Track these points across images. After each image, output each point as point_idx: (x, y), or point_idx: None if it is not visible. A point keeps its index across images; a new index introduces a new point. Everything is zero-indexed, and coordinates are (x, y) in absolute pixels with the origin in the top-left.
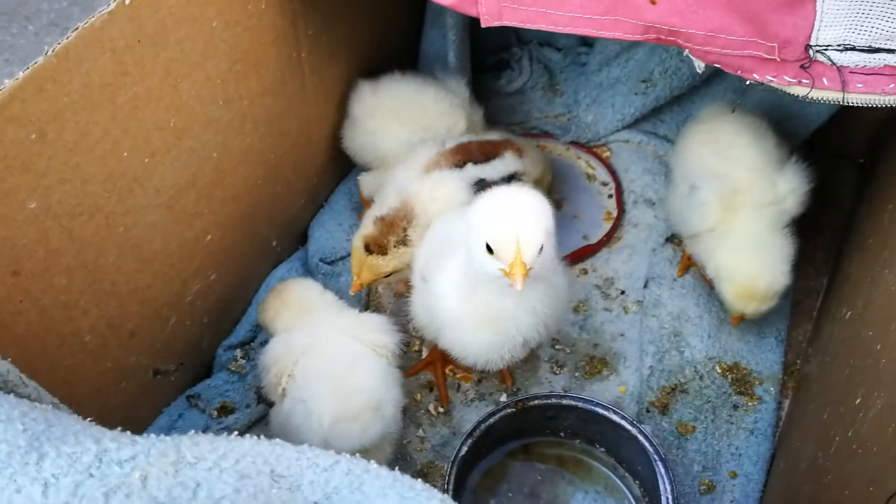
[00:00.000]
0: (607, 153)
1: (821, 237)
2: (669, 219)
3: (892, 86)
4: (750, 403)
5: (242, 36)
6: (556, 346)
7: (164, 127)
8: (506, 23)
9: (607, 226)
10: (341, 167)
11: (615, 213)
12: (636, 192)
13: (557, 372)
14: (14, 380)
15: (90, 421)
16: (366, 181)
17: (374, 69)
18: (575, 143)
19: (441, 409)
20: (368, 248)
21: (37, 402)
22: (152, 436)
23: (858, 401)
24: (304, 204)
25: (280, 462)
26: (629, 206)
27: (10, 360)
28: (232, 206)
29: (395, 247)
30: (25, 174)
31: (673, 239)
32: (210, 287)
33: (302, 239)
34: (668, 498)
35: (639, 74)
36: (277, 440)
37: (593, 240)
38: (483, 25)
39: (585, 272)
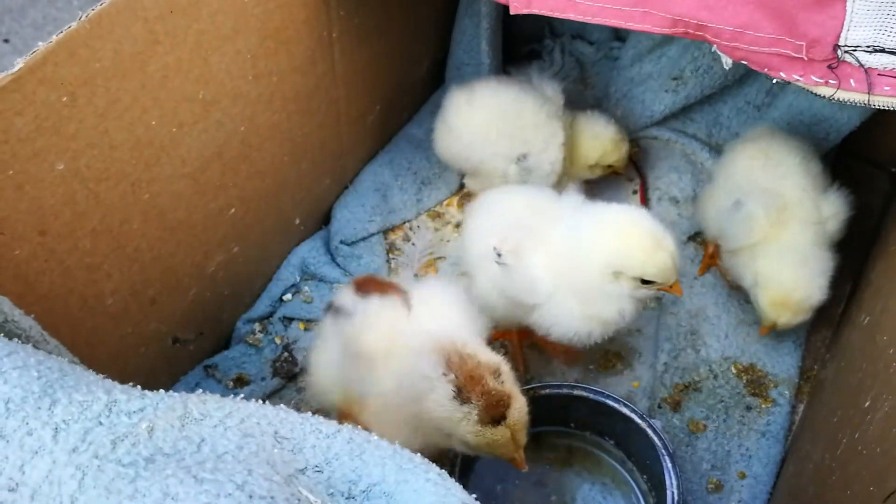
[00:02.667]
0: (635, 149)
1: (849, 245)
2: (705, 230)
3: None
4: (763, 405)
5: (274, 12)
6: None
7: (192, 98)
8: (535, 11)
9: None
10: (368, 149)
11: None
12: (661, 189)
13: (571, 364)
14: (36, 336)
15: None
16: (472, 184)
17: (406, 55)
18: None
19: None
20: (493, 418)
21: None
22: (161, 391)
23: (868, 404)
24: (329, 184)
25: (284, 426)
26: (653, 203)
27: (32, 316)
28: (257, 181)
29: (499, 385)
30: (55, 136)
31: (695, 237)
32: (232, 260)
33: (325, 218)
34: (673, 493)
35: (670, 72)
36: (282, 406)
37: None
38: (512, 13)
39: None
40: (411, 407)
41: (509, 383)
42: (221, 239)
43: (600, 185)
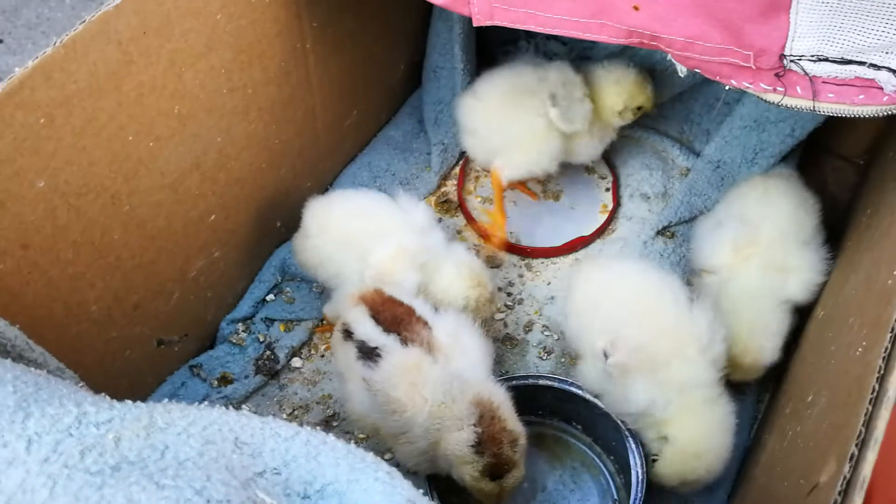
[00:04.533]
0: (607, 147)
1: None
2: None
3: (861, 97)
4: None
5: (246, 28)
6: (545, 333)
7: (168, 113)
8: (497, 22)
9: (602, 218)
10: (347, 152)
11: (611, 206)
12: (633, 185)
13: (545, 357)
14: (21, 345)
15: (82, 386)
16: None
17: (381, 60)
18: None
19: None
20: (495, 474)
21: (41, 367)
22: (129, 402)
23: (810, 398)
24: (309, 187)
25: (244, 431)
26: (625, 200)
27: (17, 326)
28: (236, 188)
29: (512, 451)
30: (35, 156)
31: (664, 232)
32: (214, 264)
33: None
34: (637, 472)
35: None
36: (245, 412)
37: (587, 231)
38: (475, 24)
39: (578, 261)
40: (434, 437)
41: (520, 454)
42: (202, 244)
43: (574, 183)
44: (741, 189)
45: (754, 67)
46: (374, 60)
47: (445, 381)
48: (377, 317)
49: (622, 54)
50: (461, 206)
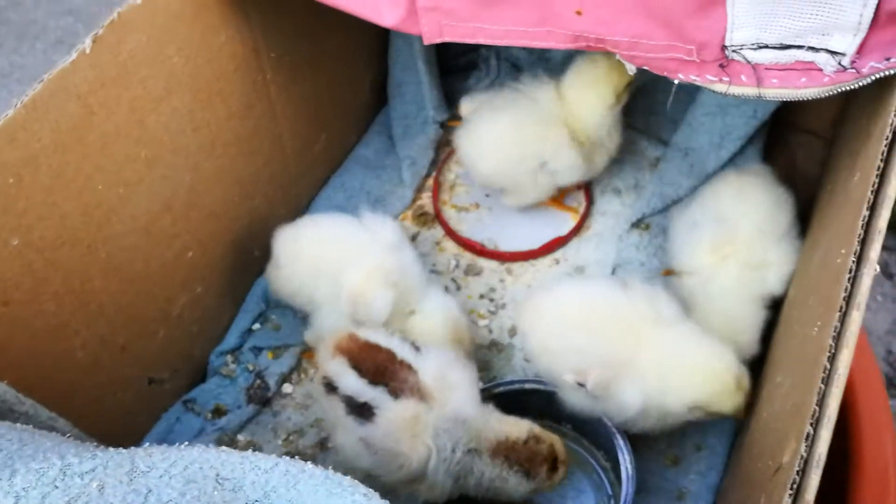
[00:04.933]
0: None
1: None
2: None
3: (803, 80)
4: None
5: (204, 68)
6: None
7: (135, 159)
8: (447, 39)
9: (577, 216)
10: (319, 176)
11: (584, 205)
12: (603, 181)
13: (531, 362)
14: (11, 399)
15: (69, 436)
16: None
17: (344, 82)
18: None
19: None
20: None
21: (32, 419)
22: (111, 450)
23: (779, 379)
24: (284, 214)
25: (225, 467)
26: (597, 196)
27: (6, 381)
28: (210, 223)
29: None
30: (5, 215)
31: (639, 224)
32: (197, 300)
33: None
34: (627, 468)
35: None
36: (224, 448)
37: (564, 231)
38: (425, 42)
39: (557, 262)
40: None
41: (546, 439)
42: (183, 282)
43: None
44: (715, 187)
45: (698, 60)
46: (337, 83)
47: (446, 426)
48: (359, 367)
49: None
50: (438, 217)
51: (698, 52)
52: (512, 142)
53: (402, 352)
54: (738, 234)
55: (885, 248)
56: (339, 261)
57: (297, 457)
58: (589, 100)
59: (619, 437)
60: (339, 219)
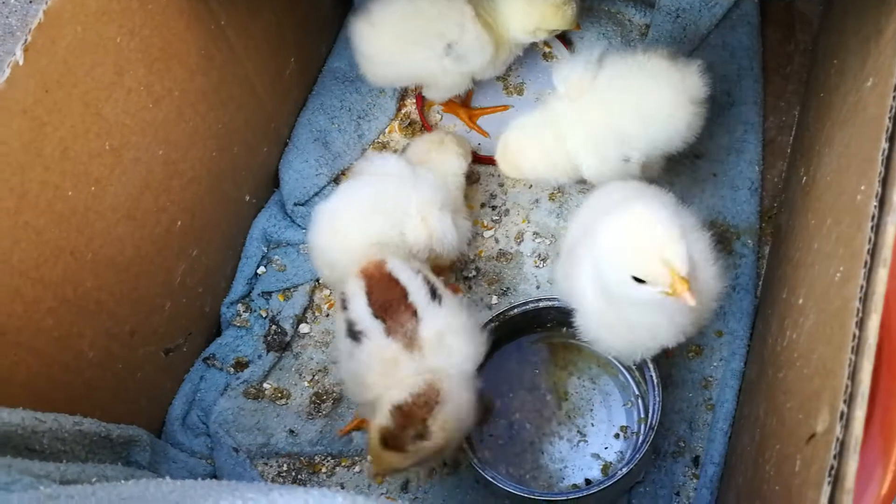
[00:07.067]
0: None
1: (791, 65)
2: None
3: None
4: (730, 260)
5: (153, 37)
6: (537, 240)
7: (100, 153)
8: None
9: None
10: (296, 99)
11: None
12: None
13: (541, 266)
14: (31, 423)
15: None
16: (432, 94)
17: (303, 3)
18: None
19: None
20: (385, 442)
21: (56, 433)
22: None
23: (801, 302)
24: (268, 150)
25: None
26: None
27: (21, 407)
28: (193, 187)
29: (413, 442)
30: None
31: None
32: (196, 262)
33: (275, 181)
34: (651, 375)
35: None
36: (213, 481)
37: None
38: None
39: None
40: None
41: (419, 450)
42: (178, 251)
43: (532, 71)
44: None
45: None
46: (296, 7)
47: (416, 375)
48: (370, 295)
49: None
50: (424, 125)
51: None
52: (411, 25)
53: (418, 296)
54: None
55: None
56: (391, 227)
57: (325, 398)
58: (508, 13)
59: None
60: (358, 188)
